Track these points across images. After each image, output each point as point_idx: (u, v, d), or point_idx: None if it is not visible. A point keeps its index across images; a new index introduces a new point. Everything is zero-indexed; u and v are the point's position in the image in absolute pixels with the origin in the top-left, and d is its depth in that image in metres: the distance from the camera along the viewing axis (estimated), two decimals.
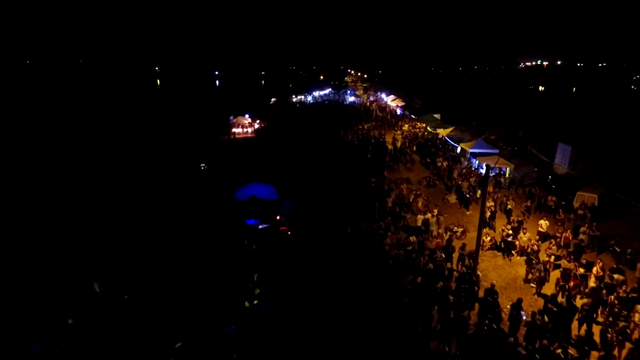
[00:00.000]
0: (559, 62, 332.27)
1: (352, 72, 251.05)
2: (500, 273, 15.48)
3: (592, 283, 12.63)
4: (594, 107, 58.81)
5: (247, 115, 49.68)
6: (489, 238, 17.23)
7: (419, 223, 18.69)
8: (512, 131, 39.91)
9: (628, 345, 10.49)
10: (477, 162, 27.60)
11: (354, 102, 79.95)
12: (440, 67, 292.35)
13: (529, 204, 19.51)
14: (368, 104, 75.31)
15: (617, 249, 15.92)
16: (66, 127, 49.14)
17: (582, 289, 12.92)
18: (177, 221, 19.58)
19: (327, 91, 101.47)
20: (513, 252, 16.45)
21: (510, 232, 16.52)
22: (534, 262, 13.86)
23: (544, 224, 17.29)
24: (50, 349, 9.68)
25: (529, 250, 15.85)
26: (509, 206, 19.92)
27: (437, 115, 46.33)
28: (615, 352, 10.21)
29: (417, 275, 13.88)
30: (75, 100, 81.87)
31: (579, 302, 12.50)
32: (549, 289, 14.05)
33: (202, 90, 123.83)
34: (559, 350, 9.46)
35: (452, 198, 23.09)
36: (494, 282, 14.72)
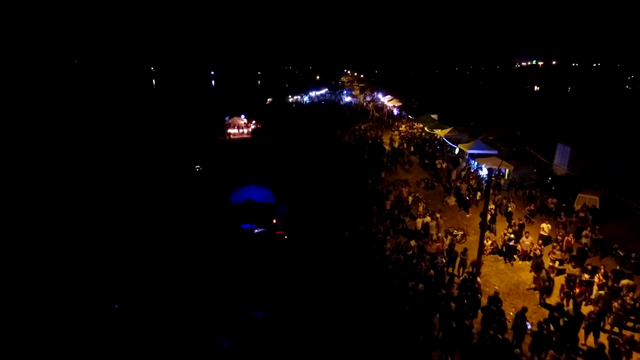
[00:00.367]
0: (554, 62, 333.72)
1: (349, 72, 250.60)
2: (503, 278, 15.11)
3: (596, 290, 12.25)
4: (592, 107, 58.75)
5: (242, 116, 49.15)
6: (490, 242, 16.86)
7: (419, 226, 18.31)
8: (510, 132, 39.65)
9: (636, 355, 10.15)
10: (476, 163, 27.27)
11: (350, 102, 79.54)
12: (436, 67, 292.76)
13: (532, 207, 19.10)
14: (365, 104, 74.93)
15: (621, 253, 15.60)
16: (59, 127, 48.38)
17: (587, 295, 12.55)
18: (170, 226, 19.06)
19: (323, 91, 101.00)
20: (515, 256, 16.09)
21: (512, 236, 16.14)
22: (543, 270, 13.32)
23: (545, 227, 16.95)
24: None
25: (531, 254, 15.53)
26: (510, 209, 19.59)
27: (434, 116, 45.96)
28: None
29: (418, 282, 13.50)
30: (70, 100, 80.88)
31: (584, 309, 12.19)
32: (552, 295, 13.73)
33: (198, 90, 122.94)
34: None
35: (452, 200, 22.73)
36: (496, 287, 14.45)
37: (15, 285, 13.82)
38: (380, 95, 79.71)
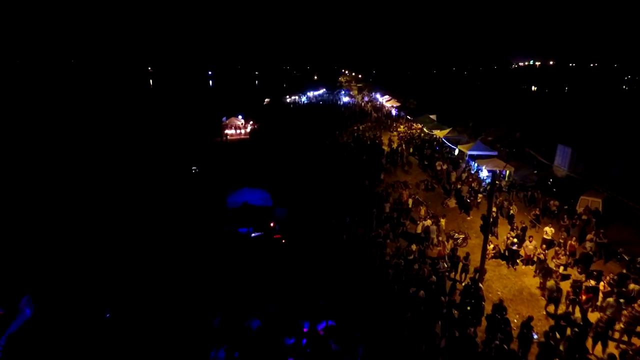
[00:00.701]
0: (551, 63, 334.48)
1: (346, 72, 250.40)
2: (506, 284, 14.74)
3: (602, 297, 11.89)
4: (591, 108, 58.54)
5: (240, 116, 48.70)
6: (492, 246, 16.49)
7: (419, 230, 17.94)
8: (510, 132, 39.38)
9: None
10: (476, 164, 26.94)
11: (348, 103, 79.16)
12: (434, 67, 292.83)
13: (537, 212, 18.67)
14: (363, 104, 74.59)
15: (626, 257, 15.26)
16: (54, 126, 47.80)
17: (593, 302, 12.20)
18: (165, 230, 18.59)
19: (321, 91, 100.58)
20: (518, 261, 15.73)
21: (515, 240, 15.77)
22: (552, 280, 12.84)
23: (549, 230, 16.58)
24: None
25: (535, 258, 15.19)
26: (512, 211, 19.24)
27: (433, 116, 45.68)
28: None
29: (420, 288, 13.13)
30: (66, 100, 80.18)
31: (590, 316, 11.85)
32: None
33: (196, 90, 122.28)
34: None
35: (452, 202, 22.35)
36: (499, 293, 14.09)
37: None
38: (378, 96, 79.40)
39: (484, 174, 25.99)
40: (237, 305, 12.67)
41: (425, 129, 41.18)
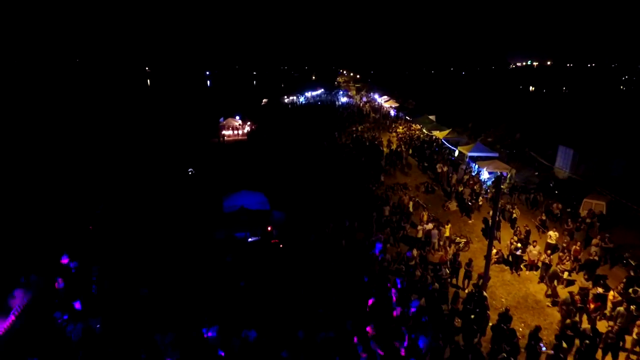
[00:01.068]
0: (549, 63, 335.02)
1: (344, 72, 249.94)
2: (510, 290, 14.35)
3: (610, 306, 11.48)
4: (591, 108, 58.25)
5: (237, 117, 48.23)
6: (495, 250, 16.06)
7: (420, 234, 17.54)
8: (509, 133, 39.05)
9: None
10: (476, 166, 26.57)
11: (346, 103, 78.76)
12: (431, 67, 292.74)
13: (543, 217, 18.22)
14: (361, 104, 74.21)
15: (632, 262, 14.90)
16: (49, 125, 47.18)
17: (602, 310, 11.81)
18: (159, 234, 18.09)
19: (319, 92, 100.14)
20: (522, 266, 15.34)
21: (519, 245, 15.39)
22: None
23: (553, 235, 16.22)
24: None
25: (539, 264, 14.82)
26: (514, 215, 18.86)
27: (432, 117, 45.35)
28: None
29: (421, 296, 12.73)
30: (62, 100, 79.40)
31: (599, 325, 11.47)
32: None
33: (193, 90, 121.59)
34: None
35: (453, 205, 21.95)
36: (503, 300, 13.71)
37: None
38: (376, 96, 79.03)
39: (485, 175, 25.63)
40: (234, 315, 12.25)
41: (424, 130, 40.81)
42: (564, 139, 30.08)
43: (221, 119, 47.53)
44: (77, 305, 12.34)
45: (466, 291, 13.99)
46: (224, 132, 44.71)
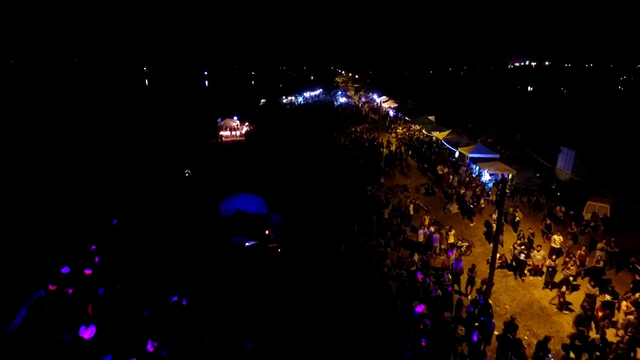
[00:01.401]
0: (547, 63, 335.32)
1: (343, 72, 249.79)
2: (514, 296, 13.97)
3: (621, 316, 11.09)
4: (592, 109, 57.99)
5: (235, 118, 47.78)
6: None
7: (421, 238, 17.14)
8: (510, 134, 38.68)
9: None
10: (477, 168, 26.21)
11: (345, 103, 78.37)
12: (430, 67, 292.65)
13: (548, 221, 17.80)
14: (360, 105, 73.84)
15: (639, 267, 14.55)
16: (44, 125, 46.64)
17: (610, 319, 11.44)
18: (154, 238, 17.63)
19: (317, 92, 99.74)
20: (526, 271, 14.96)
21: (523, 248, 15.00)
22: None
23: (557, 239, 15.83)
24: None
25: (543, 269, 14.45)
26: (517, 218, 18.48)
27: (431, 117, 45.01)
28: None
29: (421, 302, 12.34)
30: (59, 100, 78.74)
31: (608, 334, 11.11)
32: (569, 317, 12.61)
33: (191, 90, 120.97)
34: None
35: (454, 208, 21.58)
36: (507, 307, 13.34)
37: None
38: (375, 96, 78.66)
39: (486, 177, 25.29)
40: (230, 324, 11.85)
41: (424, 131, 40.45)
42: (565, 140, 29.75)
43: (219, 120, 47.09)
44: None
45: (469, 297, 13.64)
46: (221, 132, 44.27)
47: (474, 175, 25.56)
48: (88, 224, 19.00)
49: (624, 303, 11.25)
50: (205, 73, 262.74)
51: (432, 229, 17.07)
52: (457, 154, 30.65)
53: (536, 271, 14.82)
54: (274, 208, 19.34)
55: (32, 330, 11.42)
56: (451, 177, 24.90)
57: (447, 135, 35.07)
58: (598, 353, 9.14)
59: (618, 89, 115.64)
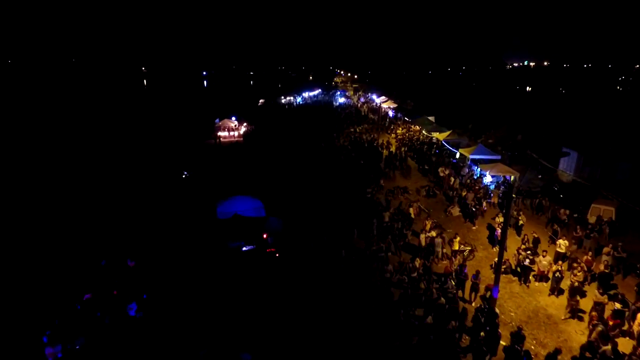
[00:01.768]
0: (545, 63, 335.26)
1: (342, 72, 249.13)
2: (519, 303, 13.56)
3: (636, 327, 10.66)
4: (593, 110, 57.62)
5: (233, 118, 47.33)
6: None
7: (423, 242, 16.72)
8: (511, 135, 38.33)
9: None
10: (479, 169, 25.81)
11: (344, 104, 77.95)
12: (428, 67, 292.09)
13: (556, 227, 17.34)
14: (359, 105, 73.44)
15: None
16: (40, 124, 46.09)
17: (620, 328, 11.03)
18: (149, 243, 17.18)
19: (316, 92, 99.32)
20: (531, 277, 14.54)
21: (529, 253, 14.58)
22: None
23: (562, 243, 15.42)
24: None
25: (549, 275, 14.06)
26: (521, 221, 18.08)
27: (431, 118, 44.58)
28: None
29: (425, 310, 11.93)
30: (57, 100, 78.10)
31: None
32: (577, 325, 12.22)
33: (189, 91, 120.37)
34: None
35: (456, 210, 21.17)
36: (512, 314, 12.94)
37: None
38: (374, 96, 78.27)
39: (488, 179, 24.90)
40: (226, 334, 11.42)
41: (424, 132, 40.04)
42: (567, 141, 29.38)
43: (217, 120, 46.64)
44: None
45: (473, 304, 13.23)
46: (219, 133, 43.83)
47: (475, 177, 25.16)
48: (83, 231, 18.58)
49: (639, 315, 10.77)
50: (204, 73, 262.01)
51: (433, 233, 16.65)
52: (457, 155, 30.26)
53: (541, 277, 14.41)
54: (272, 211, 18.92)
55: None
56: (452, 179, 24.50)
57: (447, 136, 34.66)
58: None
59: (617, 89, 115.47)
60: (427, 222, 17.29)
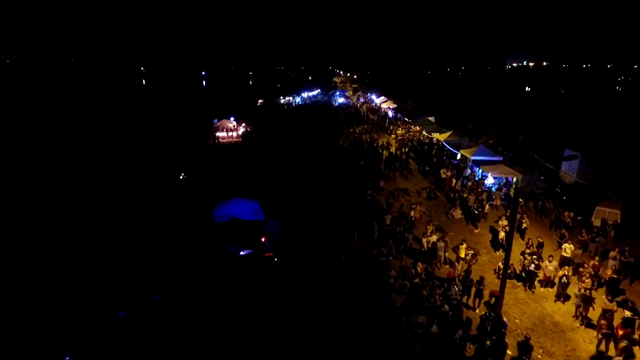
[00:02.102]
0: (544, 63, 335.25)
1: (341, 72, 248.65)
2: (524, 310, 13.17)
3: None
4: (595, 110, 57.28)
5: (232, 118, 46.90)
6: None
7: (424, 246, 16.34)
8: (512, 135, 37.99)
9: None
10: (480, 171, 25.41)
11: (343, 104, 77.51)
12: (427, 67, 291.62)
13: (563, 231, 16.88)
14: (358, 105, 73.01)
15: None
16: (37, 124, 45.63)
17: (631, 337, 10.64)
18: (146, 249, 16.77)
19: (315, 92, 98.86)
20: (536, 282, 14.16)
21: (534, 258, 14.20)
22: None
23: (568, 247, 15.05)
24: None
25: (555, 280, 13.69)
26: (524, 224, 17.70)
27: (431, 118, 44.16)
28: None
29: (428, 317, 11.53)
30: (55, 99, 77.59)
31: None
32: (585, 333, 11.85)
33: (189, 91, 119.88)
34: None
35: (457, 213, 20.79)
36: (518, 321, 12.55)
37: None
38: (374, 96, 77.83)
39: (490, 181, 24.50)
40: (223, 342, 11.04)
41: (424, 132, 39.63)
42: (569, 142, 29.00)
43: (215, 120, 46.21)
44: None
45: (477, 311, 12.86)
46: (217, 133, 43.41)
47: (477, 179, 24.77)
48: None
49: None
50: (203, 73, 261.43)
51: (434, 237, 16.26)
52: (459, 156, 29.88)
53: (547, 282, 14.04)
54: (271, 213, 18.53)
55: None
56: (454, 180, 24.11)
57: (448, 137, 34.25)
58: None
59: (617, 90, 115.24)
60: (428, 227, 16.90)
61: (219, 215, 17.44)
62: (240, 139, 43.16)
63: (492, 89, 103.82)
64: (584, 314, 11.96)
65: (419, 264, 14.63)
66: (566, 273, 13.31)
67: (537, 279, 14.19)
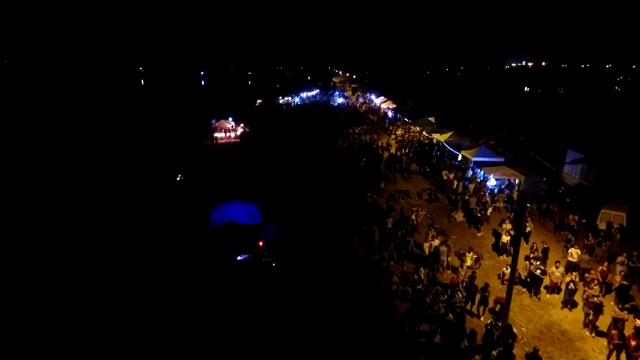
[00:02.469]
0: (543, 63, 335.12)
1: (340, 72, 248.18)
2: (530, 317, 12.76)
3: None
4: (596, 110, 56.90)
5: (230, 119, 46.43)
6: (509, 270, 14.50)
7: (426, 250, 15.91)
8: (513, 136, 37.60)
9: None
10: (482, 172, 25.02)
11: (343, 104, 77.09)
12: (427, 67, 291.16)
13: (570, 236, 16.37)
14: (358, 105, 72.61)
15: None
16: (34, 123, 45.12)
17: None
18: (141, 253, 16.33)
19: (314, 92, 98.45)
20: (542, 289, 13.75)
21: (539, 263, 13.79)
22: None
23: (574, 252, 14.63)
24: None
25: (562, 286, 13.28)
26: (528, 228, 17.27)
27: (431, 119, 43.77)
28: None
29: (431, 326, 11.12)
30: (54, 99, 77.02)
31: None
32: (594, 342, 11.44)
33: (187, 91, 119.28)
34: None
35: (459, 216, 20.37)
36: (524, 329, 12.14)
37: None
38: (373, 97, 77.44)
39: (492, 182, 24.11)
40: (219, 351, 10.61)
41: (424, 133, 39.24)
42: (572, 143, 28.61)
43: (213, 121, 45.73)
44: None
45: (482, 319, 12.45)
46: (215, 134, 42.94)
47: (478, 180, 24.36)
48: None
49: None
50: (202, 73, 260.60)
51: (437, 241, 15.83)
52: (460, 158, 29.48)
53: (553, 288, 13.63)
54: (269, 216, 18.07)
55: None
56: (455, 182, 23.69)
57: (448, 138, 33.85)
58: None
59: (616, 90, 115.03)
60: (430, 231, 16.46)
61: (215, 219, 16.95)
62: (238, 140, 42.72)
63: (492, 89, 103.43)
64: (594, 322, 11.53)
65: (422, 269, 14.23)
66: (573, 279, 12.91)
67: (543, 284, 13.79)
